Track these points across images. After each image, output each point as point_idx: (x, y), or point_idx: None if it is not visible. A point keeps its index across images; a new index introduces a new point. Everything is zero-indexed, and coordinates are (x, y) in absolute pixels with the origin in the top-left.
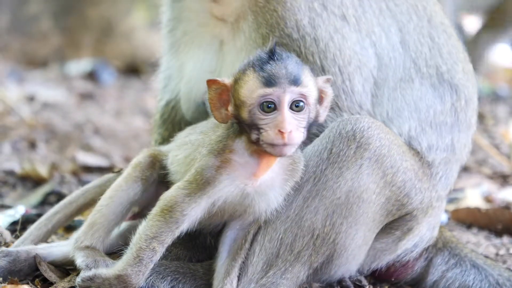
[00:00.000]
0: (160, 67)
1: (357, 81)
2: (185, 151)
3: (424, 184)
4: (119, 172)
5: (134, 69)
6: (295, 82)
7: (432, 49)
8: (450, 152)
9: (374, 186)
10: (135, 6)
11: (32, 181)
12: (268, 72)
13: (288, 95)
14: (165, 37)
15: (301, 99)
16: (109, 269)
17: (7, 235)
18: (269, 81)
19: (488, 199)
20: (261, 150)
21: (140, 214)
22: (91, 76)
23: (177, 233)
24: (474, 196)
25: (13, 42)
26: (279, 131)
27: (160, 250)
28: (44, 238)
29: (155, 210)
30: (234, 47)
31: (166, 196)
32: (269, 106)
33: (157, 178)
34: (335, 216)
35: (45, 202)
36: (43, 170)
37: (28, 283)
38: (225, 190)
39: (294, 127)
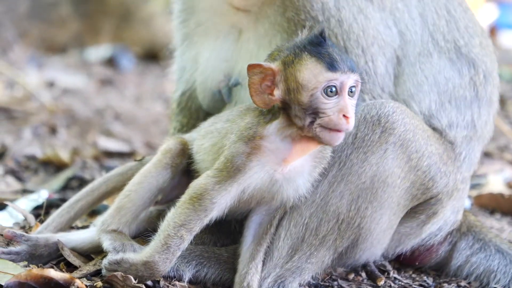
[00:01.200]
0: (174, 59)
1: (380, 62)
2: (211, 140)
3: (449, 167)
4: (141, 160)
5: (153, 55)
6: (353, 68)
7: (449, 22)
8: (471, 129)
9: (399, 171)
10: None
11: (53, 166)
12: (328, 57)
13: (350, 81)
14: (177, 28)
15: (355, 85)
16: (137, 255)
17: (32, 219)
18: (334, 66)
19: (510, 185)
20: (302, 135)
21: (162, 201)
22: (111, 62)
23: (205, 221)
24: (496, 182)
25: (32, 28)
26: (344, 116)
27: (188, 238)
28: (67, 226)
29: (184, 197)
30: (256, 34)
31: (196, 184)
32: (332, 91)
33: (185, 166)
34: (360, 200)
35: (67, 187)
36: (64, 155)
37: (53, 267)
38: (255, 176)
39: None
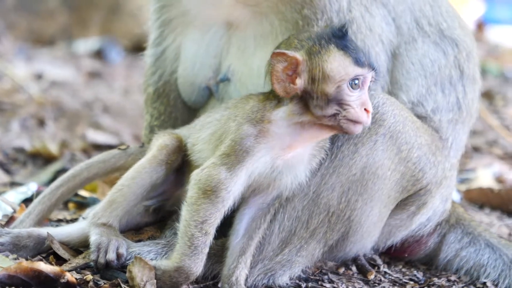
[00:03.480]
0: (150, 43)
1: (384, 61)
2: (209, 129)
3: (438, 157)
4: (125, 149)
5: (142, 48)
6: (373, 65)
7: (433, 7)
8: (456, 111)
9: (389, 162)
10: None
11: (42, 158)
12: (355, 51)
13: (370, 76)
14: (156, 12)
15: (372, 81)
16: (168, 261)
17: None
18: (360, 61)
19: (499, 180)
20: (315, 123)
21: (149, 196)
22: (99, 54)
23: (223, 211)
24: (485, 177)
25: (20, 20)
26: (365, 109)
27: (212, 232)
28: (49, 212)
29: (194, 193)
30: (257, 30)
31: (202, 176)
32: (356, 84)
33: (181, 163)
34: (350, 193)
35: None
36: (53, 148)
37: (42, 260)
38: (261, 160)
39: None
